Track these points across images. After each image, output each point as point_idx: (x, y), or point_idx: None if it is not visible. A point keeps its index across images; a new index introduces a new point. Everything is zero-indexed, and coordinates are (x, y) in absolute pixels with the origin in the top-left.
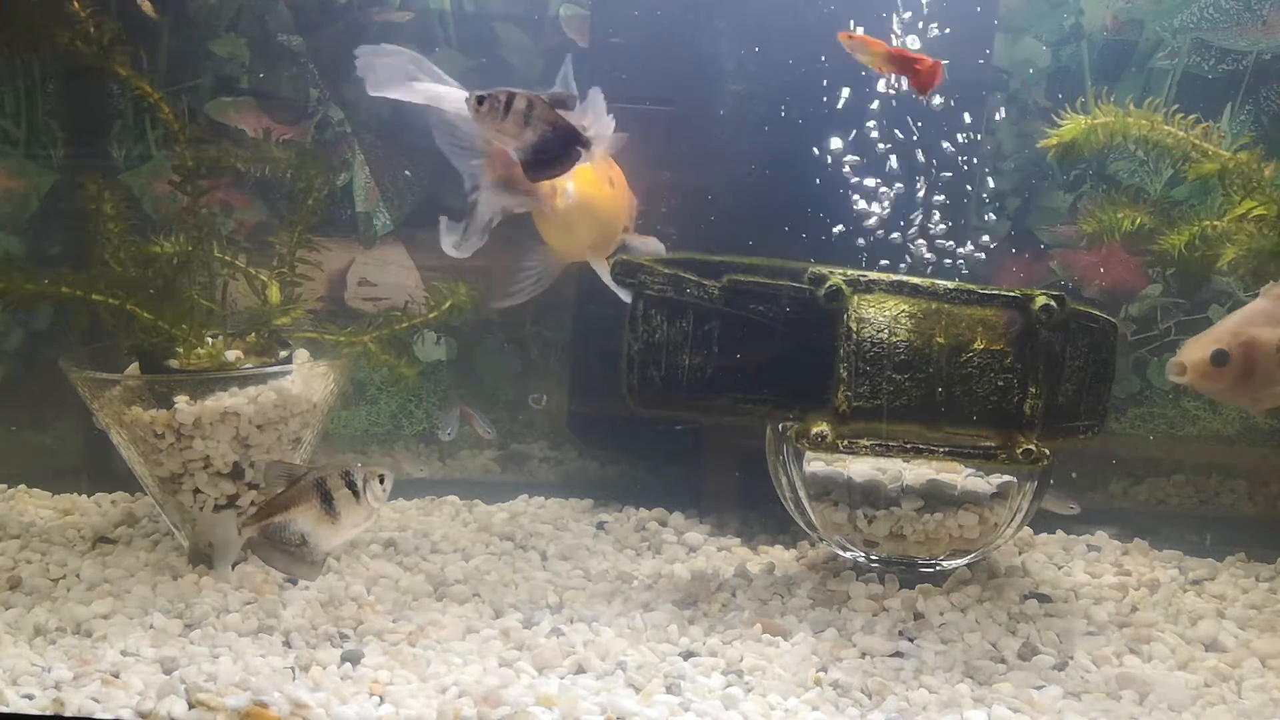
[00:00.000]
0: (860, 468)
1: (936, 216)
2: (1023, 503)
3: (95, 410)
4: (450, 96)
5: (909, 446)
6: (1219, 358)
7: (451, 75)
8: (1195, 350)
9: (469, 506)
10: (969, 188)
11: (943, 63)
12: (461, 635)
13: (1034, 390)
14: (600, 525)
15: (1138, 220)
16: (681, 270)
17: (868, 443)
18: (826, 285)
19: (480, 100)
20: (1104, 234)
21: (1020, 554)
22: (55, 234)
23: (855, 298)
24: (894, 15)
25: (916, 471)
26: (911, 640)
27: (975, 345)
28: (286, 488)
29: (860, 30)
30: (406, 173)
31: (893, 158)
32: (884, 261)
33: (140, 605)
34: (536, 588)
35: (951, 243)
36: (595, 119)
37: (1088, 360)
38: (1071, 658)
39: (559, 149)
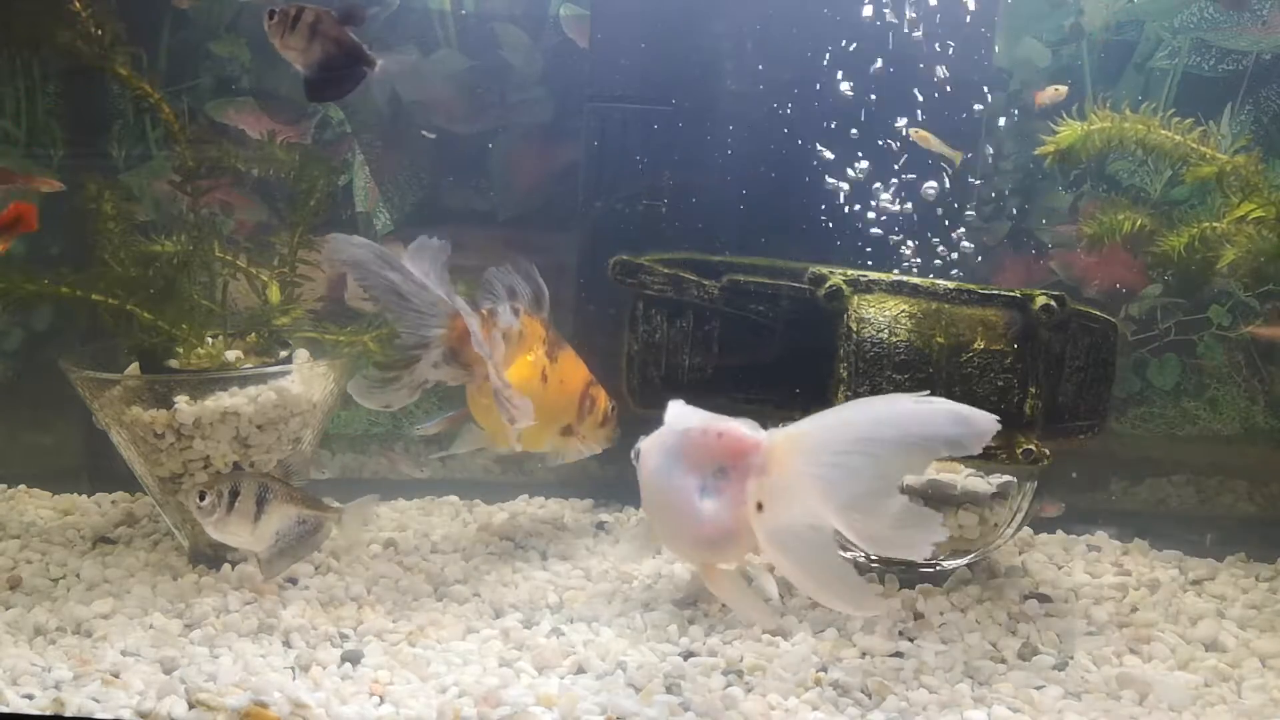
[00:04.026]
0: None
1: (936, 216)
2: (1023, 503)
3: (95, 410)
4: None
5: None
6: None
7: (450, 75)
8: None
9: (469, 506)
10: (969, 188)
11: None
12: (461, 635)
13: (1034, 390)
14: (600, 525)
15: (1138, 223)
16: (681, 270)
17: None
18: (827, 285)
19: (271, 14)
20: (1104, 236)
21: (1020, 554)
22: (55, 234)
23: (855, 298)
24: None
25: None
26: (911, 640)
27: (975, 345)
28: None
29: None
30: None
31: (890, 156)
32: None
33: (140, 605)
34: (536, 588)
35: (952, 242)
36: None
37: (1088, 360)
38: (1071, 658)
39: (343, 68)
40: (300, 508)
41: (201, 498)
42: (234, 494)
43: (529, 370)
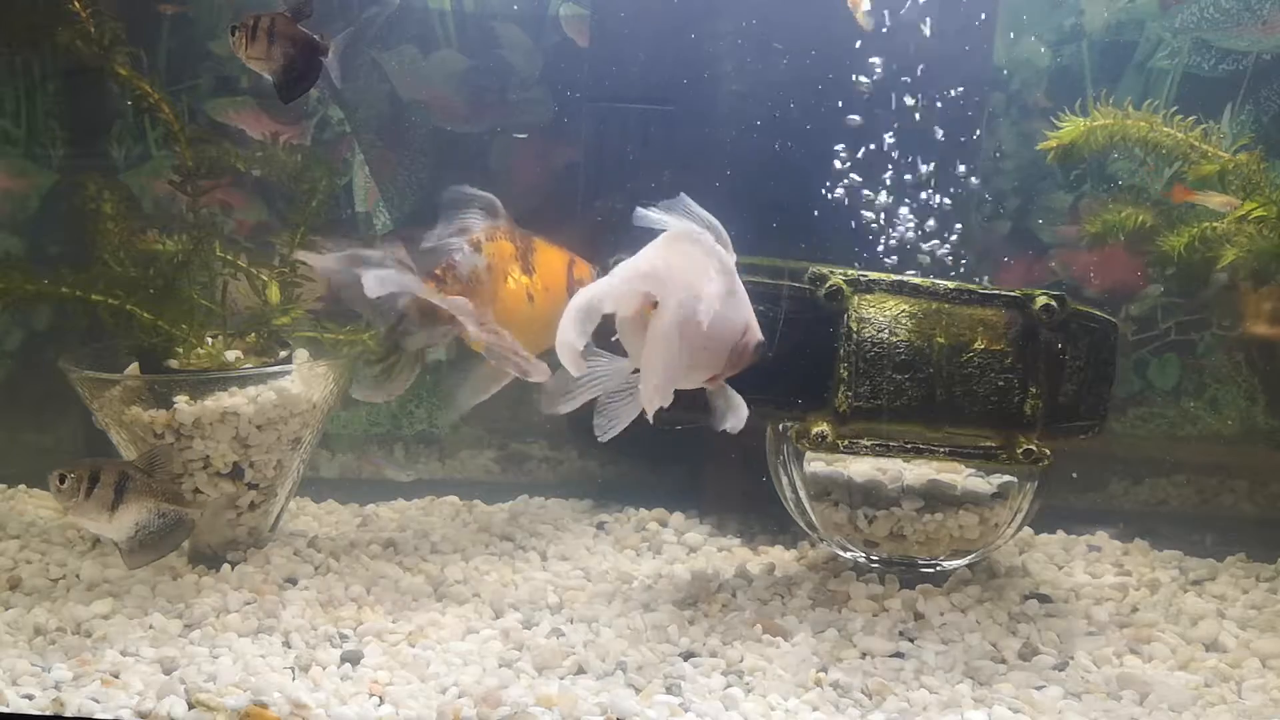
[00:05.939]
0: (860, 468)
1: (936, 216)
2: (1023, 503)
3: (95, 410)
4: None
5: (909, 446)
6: None
7: (450, 75)
8: None
9: (469, 506)
10: (968, 188)
11: None
12: (461, 635)
13: (1034, 390)
14: (600, 525)
15: (1141, 220)
16: None
17: (868, 443)
18: (827, 285)
19: (234, 30)
20: (1107, 234)
21: (1021, 554)
22: (55, 234)
23: (856, 297)
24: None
25: (917, 471)
26: (912, 640)
27: (976, 345)
28: None
29: None
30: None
31: (888, 156)
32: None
33: (140, 605)
34: (536, 588)
35: (953, 242)
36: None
37: (1088, 360)
38: (1072, 658)
39: (304, 63)
40: (159, 501)
41: (61, 480)
42: (93, 480)
43: (513, 299)
